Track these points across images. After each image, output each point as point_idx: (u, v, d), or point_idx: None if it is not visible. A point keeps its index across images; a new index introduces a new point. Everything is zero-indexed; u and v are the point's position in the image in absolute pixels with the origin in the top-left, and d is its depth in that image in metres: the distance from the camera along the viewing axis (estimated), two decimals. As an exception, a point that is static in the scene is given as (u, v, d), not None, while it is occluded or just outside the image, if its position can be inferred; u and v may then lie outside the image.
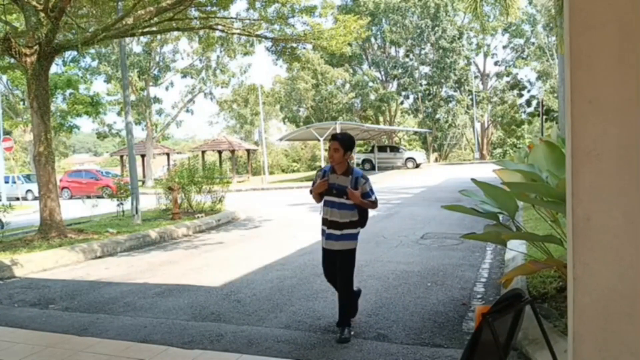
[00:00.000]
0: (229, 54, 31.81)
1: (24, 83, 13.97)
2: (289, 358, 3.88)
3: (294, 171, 47.48)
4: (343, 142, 4.20)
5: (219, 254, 8.62)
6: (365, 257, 7.43)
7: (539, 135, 30.00)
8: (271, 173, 40.73)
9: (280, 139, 38.65)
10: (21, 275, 7.50)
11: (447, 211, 5.00)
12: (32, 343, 4.45)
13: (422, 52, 42.44)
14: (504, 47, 45.57)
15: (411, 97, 44.10)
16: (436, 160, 44.26)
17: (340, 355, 3.91)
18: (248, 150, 37.08)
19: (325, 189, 4.28)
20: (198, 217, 12.49)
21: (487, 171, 7.49)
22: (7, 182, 24.70)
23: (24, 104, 28.48)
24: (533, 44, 42.86)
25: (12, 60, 12.03)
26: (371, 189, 4.28)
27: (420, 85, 42.17)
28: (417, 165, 34.18)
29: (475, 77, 45.30)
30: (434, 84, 41.54)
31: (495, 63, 46.40)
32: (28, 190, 26.51)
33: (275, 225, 11.76)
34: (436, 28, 39.29)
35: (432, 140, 43.67)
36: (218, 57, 33.47)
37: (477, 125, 44.81)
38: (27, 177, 27.84)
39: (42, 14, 9.64)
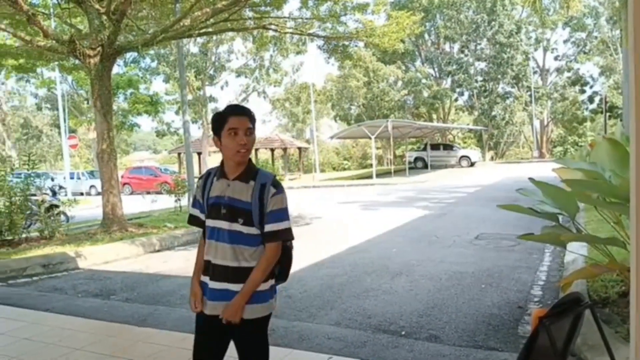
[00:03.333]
0: (281, 53, 32.14)
1: (88, 83, 14.66)
2: (340, 355, 3.89)
3: (344, 169, 47.46)
4: (254, 120, 2.38)
5: (271, 251, 8.73)
6: (416, 257, 7.35)
7: (601, 133, 28.69)
8: (322, 171, 40.92)
9: (332, 137, 38.74)
10: (84, 267, 7.86)
11: (502, 211, 4.87)
12: (94, 332, 4.66)
13: (478, 47, 41.41)
14: (565, 41, 43.85)
15: (466, 93, 43.15)
16: (492, 158, 43.12)
17: (391, 354, 3.89)
18: (300, 149, 37.42)
19: (212, 208, 2.37)
20: (251, 213, 12.69)
21: (546, 170, 7.24)
22: (72, 178, 26.01)
23: (87, 103, 29.96)
24: (596, 37, 40.97)
25: (77, 62, 12.62)
26: (286, 209, 2.37)
27: (476, 81, 41.14)
28: (472, 164, 33.41)
29: (534, 72, 43.76)
30: (490, 80, 40.43)
31: (556, 58, 44.72)
32: (91, 186, 27.76)
33: (325, 223, 11.81)
34: (493, 23, 38.23)
35: (488, 138, 42.50)
36: (271, 56, 33.95)
37: (536, 123, 43.34)
38: (91, 173, 29.19)
39: (104, 17, 10.06)
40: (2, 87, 41.32)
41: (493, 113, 40.37)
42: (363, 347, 4.05)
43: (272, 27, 13.51)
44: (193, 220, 2.53)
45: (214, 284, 2.34)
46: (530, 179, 4.47)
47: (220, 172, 2.40)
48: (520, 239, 4.47)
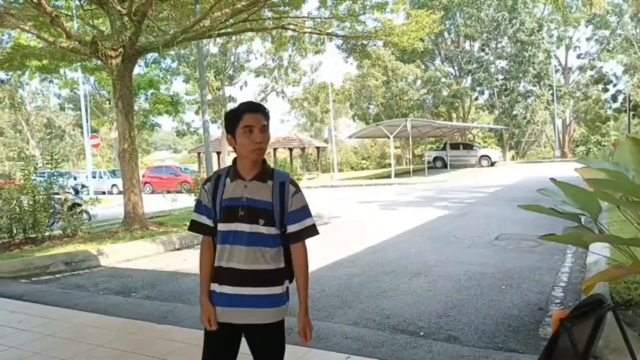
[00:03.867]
0: (300, 53, 32.26)
1: (110, 84, 14.85)
2: (358, 355, 3.88)
3: (363, 169, 47.42)
4: (268, 116, 2.29)
5: (289, 250, 8.76)
6: (435, 257, 7.30)
7: (625, 132, 28.15)
8: (340, 170, 40.89)
9: (350, 137, 38.70)
10: (106, 265, 7.97)
11: (523, 211, 4.80)
12: (115, 329, 4.73)
13: (499, 45, 40.92)
14: (588, 39, 43.09)
15: (486, 92, 42.69)
16: (513, 158, 42.60)
17: (409, 355, 3.87)
18: (318, 148, 37.50)
19: (227, 210, 2.24)
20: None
21: (568, 170, 7.13)
22: (94, 177, 26.44)
23: (109, 103, 30.42)
24: (619, 35, 40.13)
25: (99, 62, 12.80)
26: (307, 205, 2.34)
27: (497, 80, 40.66)
28: (492, 164, 33.05)
29: (556, 71, 43.05)
30: (511, 78, 39.89)
31: (578, 56, 43.98)
32: (113, 185, 28.15)
33: (343, 223, 11.80)
34: (514, 20, 37.74)
35: (509, 137, 41.96)
36: (290, 56, 34.09)
37: (558, 122, 42.62)
38: (113, 173, 29.62)
39: (126, 18, 10.18)
40: (26, 87, 42.25)
41: (514, 112, 39.80)
42: (381, 347, 4.04)
43: (291, 26, 13.54)
44: (198, 228, 2.32)
45: (226, 289, 2.24)
46: (552, 179, 4.40)
47: (233, 172, 2.27)
48: (541, 239, 4.41)
